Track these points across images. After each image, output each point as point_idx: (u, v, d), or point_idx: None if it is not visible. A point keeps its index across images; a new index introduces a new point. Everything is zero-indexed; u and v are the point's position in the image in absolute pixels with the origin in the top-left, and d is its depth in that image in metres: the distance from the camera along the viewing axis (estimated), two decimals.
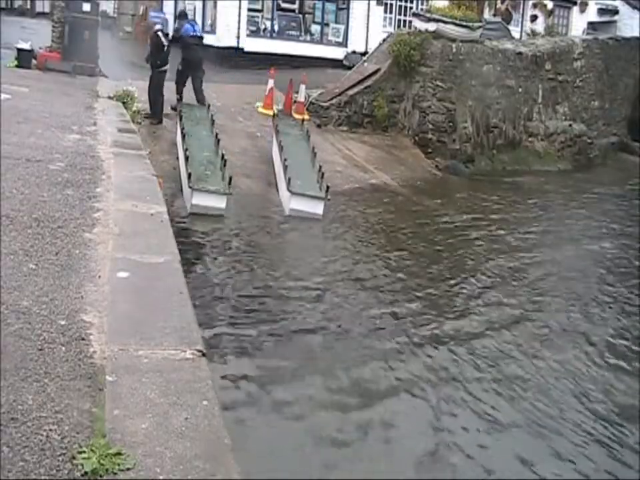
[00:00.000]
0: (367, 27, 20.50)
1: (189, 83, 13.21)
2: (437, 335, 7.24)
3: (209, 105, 12.37)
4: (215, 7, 19.47)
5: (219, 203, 9.77)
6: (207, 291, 7.46)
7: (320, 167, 11.21)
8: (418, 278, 8.91)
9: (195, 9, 20.82)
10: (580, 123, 18.14)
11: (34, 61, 13.96)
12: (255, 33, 19.66)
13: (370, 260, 9.34)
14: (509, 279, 9.23)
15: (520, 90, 16.98)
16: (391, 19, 21.32)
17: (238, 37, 18.73)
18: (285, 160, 11.05)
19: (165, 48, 12.46)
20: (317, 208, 10.41)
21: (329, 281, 8.33)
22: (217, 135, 11.33)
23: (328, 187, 10.56)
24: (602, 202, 14.39)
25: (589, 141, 18.10)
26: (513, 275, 9.36)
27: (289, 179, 10.44)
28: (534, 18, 24.90)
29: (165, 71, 12.73)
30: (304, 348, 6.59)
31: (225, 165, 10.25)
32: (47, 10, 23.98)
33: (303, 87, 14.84)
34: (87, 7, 13.99)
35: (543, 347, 7.23)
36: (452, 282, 8.93)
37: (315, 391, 5.80)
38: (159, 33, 12.57)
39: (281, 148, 11.49)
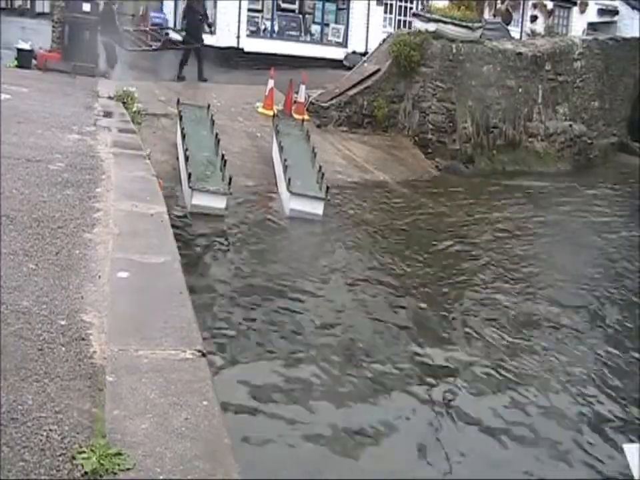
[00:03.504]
0: (367, 27, 20.49)
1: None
2: None
3: (208, 105, 12.38)
4: (215, 6, 19.46)
5: (219, 203, 9.77)
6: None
7: (320, 167, 11.22)
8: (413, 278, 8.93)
9: None
10: (580, 123, 18.12)
11: (34, 61, 13.95)
12: (254, 33, 19.66)
13: (368, 259, 9.35)
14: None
15: (520, 90, 16.97)
16: (391, 19, 21.32)
17: (238, 37, 18.73)
18: (285, 160, 11.05)
19: None
20: (317, 208, 10.41)
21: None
22: (216, 135, 11.33)
23: (328, 187, 10.57)
24: (600, 201, 14.39)
25: (588, 141, 18.10)
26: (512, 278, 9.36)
27: (289, 179, 10.45)
28: (534, 18, 24.89)
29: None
30: None
31: (224, 165, 10.26)
32: (47, 10, 23.95)
33: (302, 87, 14.83)
34: (86, 7, 13.97)
35: None
36: (448, 280, 8.95)
37: None
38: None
39: (281, 148, 11.49)
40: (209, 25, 16.74)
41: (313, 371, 6.25)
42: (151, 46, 16.46)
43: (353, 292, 8.23)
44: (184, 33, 16.20)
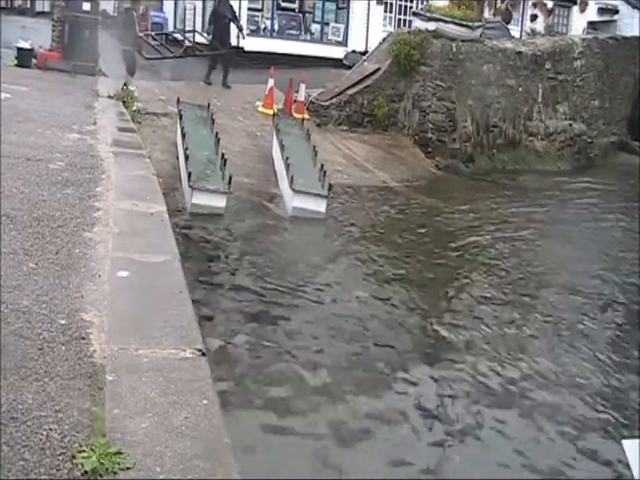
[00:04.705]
0: (367, 26, 20.48)
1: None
2: None
3: (209, 104, 12.38)
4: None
5: (219, 202, 9.76)
6: None
7: (322, 165, 11.20)
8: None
9: (195, 8, 20.80)
10: (580, 122, 18.12)
11: (34, 60, 13.94)
12: (255, 33, 19.65)
13: (369, 259, 9.35)
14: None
15: (520, 89, 16.97)
16: (391, 18, 21.30)
17: (238, 37, 18.71)
18: (287, 159, 11.01)
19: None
20: (320, 206, 10.38)
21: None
22: (217, 134, 11.32)
23: (330, 185, 10.53)
24: (600, 200, 14.39)
25: (588, 140, 18.10)
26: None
27: (292, 177, 10.42)
28: (534, 17, 24.89)
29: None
30: None
31: (225, 164, 10.25)
32: (46, 9, 23.94)
33: (302, 86, 14.83)
34: (87, 6, 13.96)
35: None
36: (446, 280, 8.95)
37: None
38: None
39: (282, 147, 11.47)
40: (240, 29, 16.24)
41: None
42: (172, 53, 15.97)
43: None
44: (210, 38, 15.90)
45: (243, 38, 16.61)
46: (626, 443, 4.15)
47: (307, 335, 6.68)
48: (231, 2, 17.07)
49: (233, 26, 15.98)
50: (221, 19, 15.71)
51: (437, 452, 5.13)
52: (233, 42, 18.63)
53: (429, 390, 6.00)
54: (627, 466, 4.01)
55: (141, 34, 15.28)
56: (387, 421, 5.44)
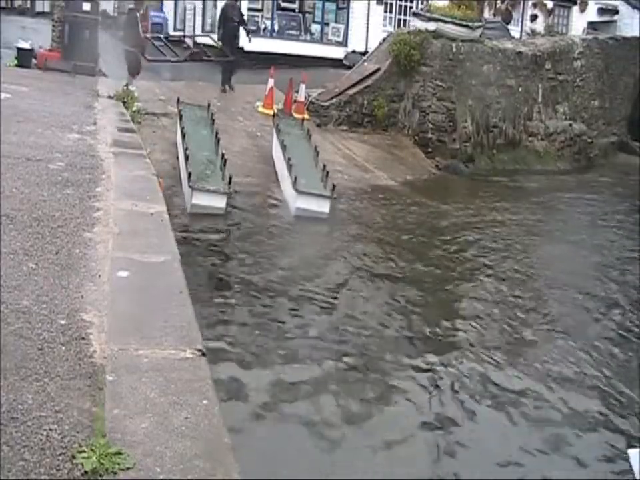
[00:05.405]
0: (367, 27, 20.48)
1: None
2: None
3: (209, 104, 12.38)
4: (215, 7, 19.46)
5: (219, 202, 9.74)
6: None
7: (324, 165, 11.19)
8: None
9: (195, 8, 20.81)
10: (580, 122, 18.13)
11: (34, 60, 13.95)
12: (254, 33, 19.60)
13: (369, 259, 9.36)
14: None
15: (520, 89, 16.98)
16: (391, 18, 21.30)
17: (238, 37, 18.71)
18: (289, 159, 10.98)
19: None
20: (323, 206, 10.33)
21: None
22: (217, 134, 11.32)
23: (334, 186, 10.49)
24: (599, 200, 14.40)
25: (588, 140, 18.10)
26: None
27: (295, 178, 10.39)
28: (534, 17, 24.90)
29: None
30: None
31: (225, 165, 10.24)
32: (47, 9, 23.96)
33: (302, 86, 14.83)
34: (87, 6, 13.96)
35: None
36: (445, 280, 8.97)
37: None
38: None
39: (283, 147, 11.45)
40: (247, 31, 16.05)
41: None
42: (177, 55, 15.53)
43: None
44: (220, 43, 15.60)
45: (249, 41, 16.46)
46: (631, 452, 4.16)
47: None
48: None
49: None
50: (229, 22, 15.56)
51: None
52: None
53: None
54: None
55: (148, 35, 15.18)
56: None
